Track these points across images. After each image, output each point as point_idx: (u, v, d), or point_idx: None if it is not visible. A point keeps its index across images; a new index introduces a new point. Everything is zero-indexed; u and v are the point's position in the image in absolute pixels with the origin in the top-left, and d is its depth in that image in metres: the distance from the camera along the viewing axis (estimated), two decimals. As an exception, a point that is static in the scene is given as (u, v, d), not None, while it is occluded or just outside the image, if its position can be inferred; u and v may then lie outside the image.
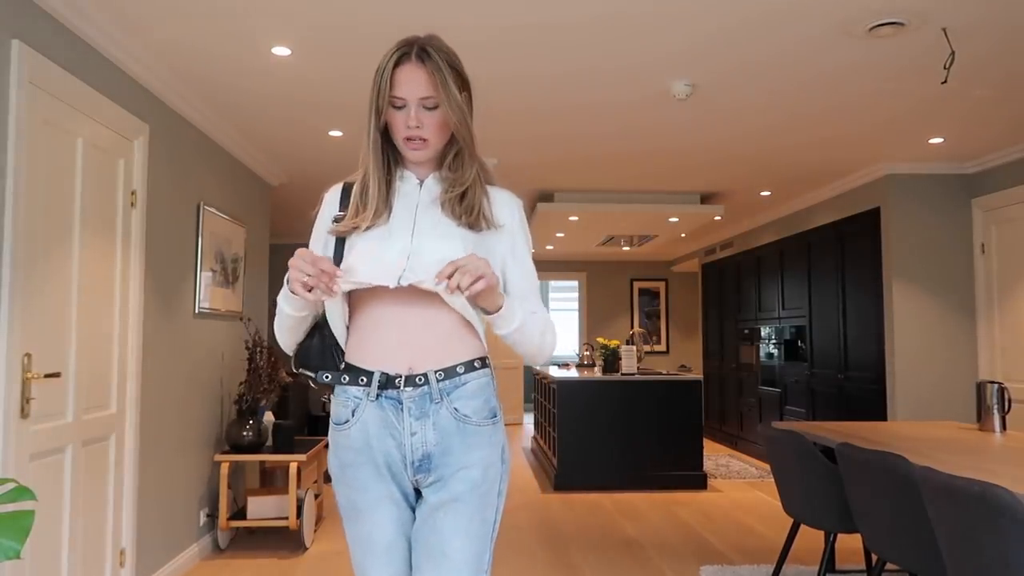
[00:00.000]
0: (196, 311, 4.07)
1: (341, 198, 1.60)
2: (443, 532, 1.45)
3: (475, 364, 1.50)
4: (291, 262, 1.41)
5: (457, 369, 1.48)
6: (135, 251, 3.35)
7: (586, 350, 8.63)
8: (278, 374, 4.63)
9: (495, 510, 1.50)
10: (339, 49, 3.23)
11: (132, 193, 3.32)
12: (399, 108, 1.49)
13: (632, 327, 10.66)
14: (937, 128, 4.43)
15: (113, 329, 3.18)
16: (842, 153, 5.00)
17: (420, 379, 1.47)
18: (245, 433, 4.29)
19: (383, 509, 1.49)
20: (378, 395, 1.48)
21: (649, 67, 3.45)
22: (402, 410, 1.47)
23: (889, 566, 2.79)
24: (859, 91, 3.77)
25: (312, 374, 1.55)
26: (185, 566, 3.93)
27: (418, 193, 1.57)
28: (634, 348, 6.50)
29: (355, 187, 1.57)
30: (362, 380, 1.49)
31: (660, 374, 6.62)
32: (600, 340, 6.97)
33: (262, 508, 4.33)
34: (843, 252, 5.93)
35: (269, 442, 4.46)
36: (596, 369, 6.75)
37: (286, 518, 4.27)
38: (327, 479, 6.36)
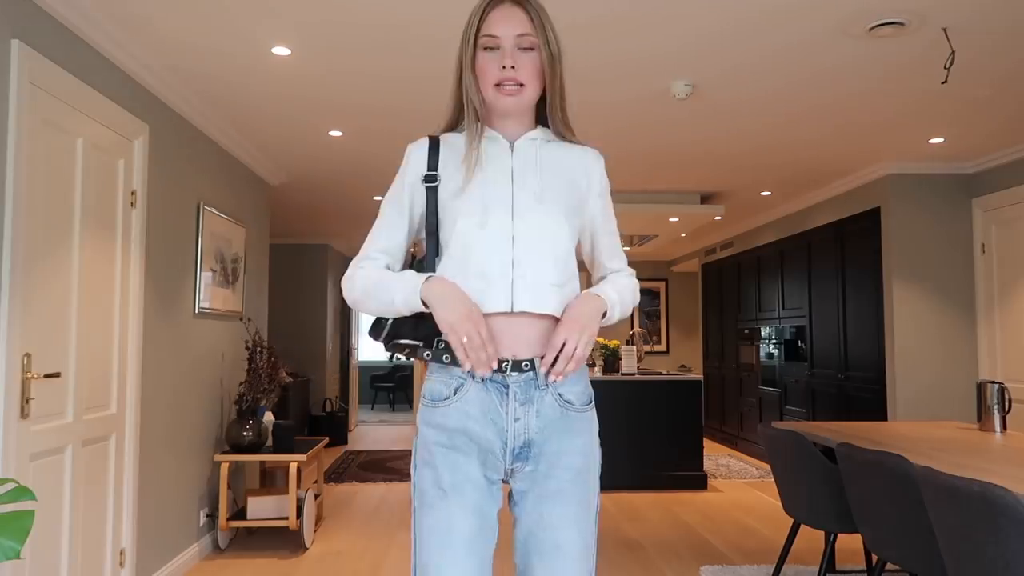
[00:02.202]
0: (196, 311, 4.07)
1: (429, 155, 1.49)
2: (554, 524, 1.39)
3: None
4: (466, 329, 1.33)
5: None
6: (135, 251, 3.35)
7: (586, 350, 8.62)
8: (278, 374, 4.64)
9: (597, 495, 1.47)
10: (339, 49, 3.23)
11: (132, 193, 3.32)
12: (491, 50, 1.40)
13: (632, 327, 10.66)
14: (937, 128, 4.43)
15: (113, 329, 3.18)
16: (842, 153, 5.00)
17: (526, 364, 1.41)
18: (245, 433, 4.29)
19: (469, 494, 1.38)
20: (484, 378, 1.41)
21: (649, 67, 3.45)
22: (507, 395, 1.40)
23: (889, 566, 2.79)
24: (859, 91, 3.77)
25: (414, 343, 1.45)
26: (185, 566, 3.93)
27: (510, 157, 1.47)
28: (634, 348, 6.50)
29: (443, 146, 1.49)
30: (428, 352, 1.44)
31: (660, 374, 6.62)
32: (600, 340, 6.97)
33: (262, 508, 4.33)
34: (843, 252, 5.93)
35: (269, 442, 4.46)
36: (596, 369, 6.75)
37: (286, 518, 4.27)
38: (328, 479, 6.36)
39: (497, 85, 1.40)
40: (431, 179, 1.47)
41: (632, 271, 1.63)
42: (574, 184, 1.50)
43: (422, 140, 1.52)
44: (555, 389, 1.43)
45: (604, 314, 1.47)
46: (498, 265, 1.41)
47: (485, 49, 1.40)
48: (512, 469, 1.43)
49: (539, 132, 1.50)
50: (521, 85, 1.40)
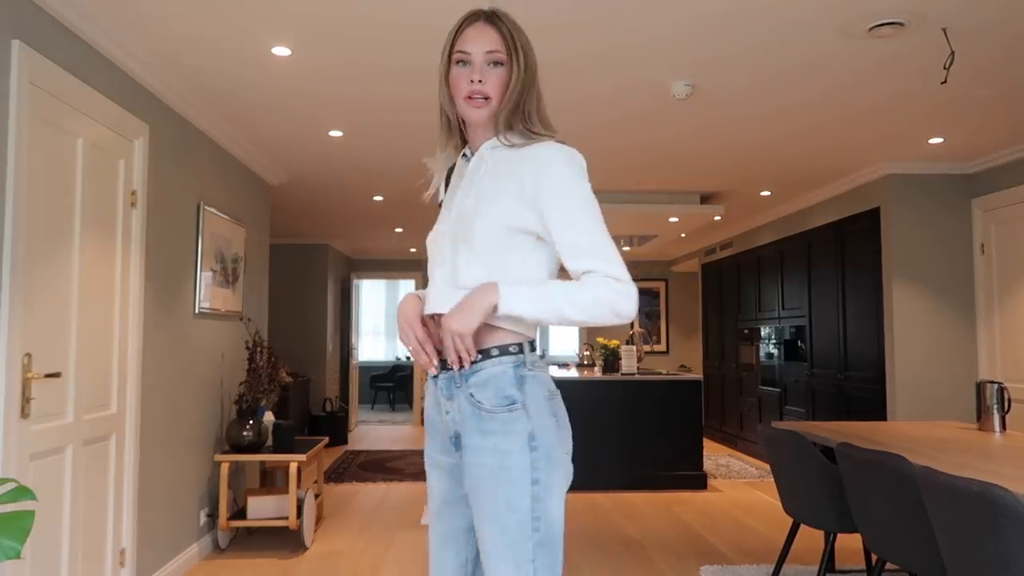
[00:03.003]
0: (196, 311, 4.08)
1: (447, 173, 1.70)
2: (476, 517, 1.49)
3: (493, 352, 1.48)
4: (403, 340, 1.55)
5: (477, 356, 1.47)
6: (135, 251, 3.35)
7: (586, 350, 8.63)
8: (278, 374, 4.64)
9: (527, 497, 1.44)
10: (339, 49, 3.23)
11: (132, 193, 3.32)
12: (464, 64, 1.50)
13: (632, 327, 10.66)
14: (937, 128, 4.43)
15: (113, 329, 3.18)
16: (842, 153, 5.01)
17: (447, 362, 1.51)
18: (245, 433, 4.29)
19: (433, 476, 1.62)
20: (435, 375, 1.57)
21: (649, 67, 3.45)
22: (439, 389, 1.56)
23: (889, 566, 2.79)
24: (859, 91, 3.77)
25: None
26: (185, 566, 3.93)
27: (467, 167, 1.59)
28: (634, 348, 6.50)
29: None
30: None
31: (660, 374, 6.62)
32: (600, 340, 6.97)
33: (262, 508, 4.33)
34: (843, 252, 5.94)
35: (269, 442, 4.46)
36: (596, 369, 6.75)
37: (286, 518, 4.27)
38: (328, 479, 6.37)
39: (468, 97, 1.51)
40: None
41: (615, 275, 1.42)
42: (520, 184, 1.47)
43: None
44: (467, 388, 1.49)
45: (495, 308, 1.41)
46: (433, 269, 1.58)
47: (458, 63, 1.52)
48: (459, 455, 1.55)
49: (495, 140, 1.54)
50: (487, 98, 1.50)
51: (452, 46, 1.51)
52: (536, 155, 1.48)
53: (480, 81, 1.48)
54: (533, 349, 1.51)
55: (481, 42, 1.49)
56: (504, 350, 1.48)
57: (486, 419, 1.47)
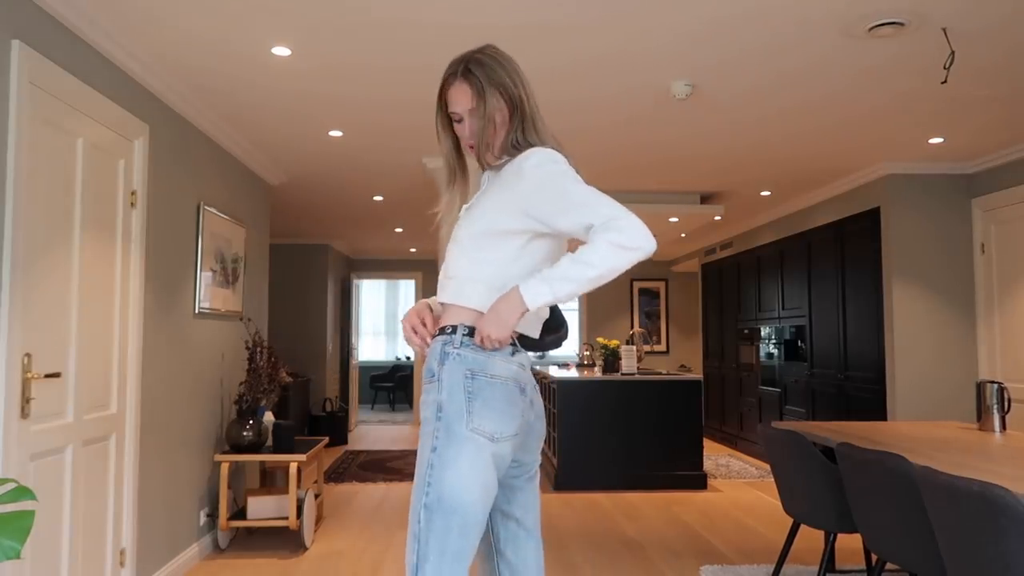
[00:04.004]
0: (196, 311, 4.08)
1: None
2: None
3: (446, 329, 1.71)
4: (408, 316, 1.81)
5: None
6: (135, 251, 3.35)
7: (586, 350, 8.63)
8: (278, 374, 4.64)
9: (424, 461, 1.64)
10: (339, 49, 3.23)
11: (132, 193, 3.32)
12: (458, 122, 1.77)
13: (632, 327, 10.66)
14: (937, 128, 4.43)
15: (113, 329, 3.18)
16: (842, 153, 5.01)
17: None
18: (245, 433, 4.29)
19: None
20: None
21: (649, 67, 3.45)
22: None
23: (889, 566, 2.79)
24: (859, 91, 3.77)
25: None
26: (185, 566, 3.93)
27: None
28: (634, 348, 6.50)
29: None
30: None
31: (660, 374, 6.62)
32: (600, 340, 6.97)
33: (262, 508, 4.33)
34: (843, 252, 5.94)
35: (269, 442, 4.46)
36: (596, 369, 6.75)
37: (286, 518, 4.27)
38: (328, 479, 6.37)
39: (468, 146, 1.78)
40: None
41: (608, 216, 1.61)
42: (507, 189, 1.69)
43: None
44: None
45: (526, 311, 1.62)
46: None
47: (455, 121, 1.78)
48: None
49: (490, 170, 1.82)
50: (472, 145, 1.77)
51: (446, 107, 1.78)
52: (515, 163, 1.71)
53: (464, 134, 1.77)
54: (468, 333, 1.67)
55: (460, 102, 1.73)
56: (442, 330, 1.71)
57: (425, 388, 1.71)
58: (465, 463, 1.60)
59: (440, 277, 1.80)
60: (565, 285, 1.58)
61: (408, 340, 1.79)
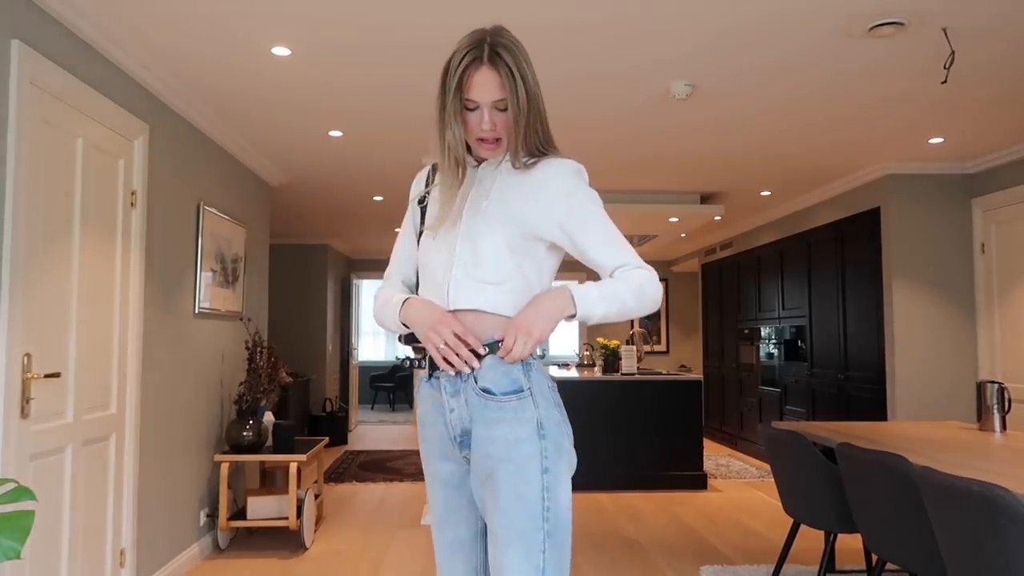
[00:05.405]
0: (196, 311, 4.07)
1: (427, 180, 1.72)
2: (488, 510, 1.50)
3: (500, 342, 1.51)
4: (439, 329, 1.50)
5: (484, 348, 1.52)
6: (135, 251, 3.35)
7: (586, 350, 8.63)
8: (278, 374, 4.64)
9: (538, 486, 1.46)
10: (339, 49, 3.23)
11: (132, 193, 3.32)
12: (472, 110, 1.54)
13: (632, 327, 10.66)
14: (937, 128, 4.43)
15: (113, 329, 3.18)
16: (842, 153, 5.00)
17: None
18: (245, 433, 4.29)
19: (435, 486, 1.62)
20: (430, 375, 1.60)
21: (649, 67, 3.45)
22: (440, 388, 1.56)
23: (889, 566, 2.79)
24: (859, 91, 3.77)
25: (412, 353, 1.70)
26: (185, 566, 3.93)
27: (474, 180, 1.62)
28: (634, 348, 6.50)
29: (438, 172, 1.63)
30: (420, 361, 1.65)
31: (660, 374, 6.62)
32: (600, 340, 6.97)
33: (262, 508, 4.33)
34: (843, 252, 5.94)
35: (269, 442, 4.46)
36: (596, 369, 6.75)
37: (286, 518, 4.27)
38: (328, 479, 6.37)
39: (480, 140, 1.57)
40: (422, 200, 1.71)
41: (640, 264, 1.55)
42: (544, 193, 1.56)
43: (426, 168, 1.76)
44: (474, 378, 1.51)
45: (573, 314, 1.49)
46: (441, 270, 1.57)
47: (466, 109, 1.55)
48: (464, 456, 1.56)
49: (508, 164, 1.61)
50: (498, 140, 1.57)
51: (460, 92, 1.52)
52: (546, 171, 1.57)
53: (491, 128, 1.54)
54: None
55: (486, 91, 1.51)
56: (497, 343, 1.52)
57: (494, 408, 1.49)
58: (567, 479, 1.51)
59: (458, 276, 1.55)
60: (609, 306, 1.49)
61: (444, 359, 1.49)
